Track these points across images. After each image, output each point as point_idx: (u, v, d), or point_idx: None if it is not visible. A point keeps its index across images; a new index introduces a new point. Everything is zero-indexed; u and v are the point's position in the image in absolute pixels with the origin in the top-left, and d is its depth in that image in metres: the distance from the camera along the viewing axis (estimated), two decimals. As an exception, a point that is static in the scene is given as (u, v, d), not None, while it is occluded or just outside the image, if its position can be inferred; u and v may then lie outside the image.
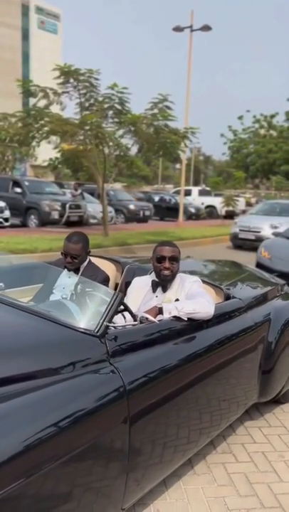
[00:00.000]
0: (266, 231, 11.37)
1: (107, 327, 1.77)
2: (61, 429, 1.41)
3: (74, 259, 2.79)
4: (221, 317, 2.48)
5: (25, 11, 55.77)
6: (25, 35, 55.86)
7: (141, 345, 1.91)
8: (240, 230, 12.08)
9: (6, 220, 12.88)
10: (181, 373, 2.04)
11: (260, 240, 11.08)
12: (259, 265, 6.95)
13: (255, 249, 10.75)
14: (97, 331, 1.76)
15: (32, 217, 13.87)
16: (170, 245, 2.49)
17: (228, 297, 2.80)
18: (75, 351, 1.70)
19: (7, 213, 12.92)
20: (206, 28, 16.33)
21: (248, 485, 2.32)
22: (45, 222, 13.55)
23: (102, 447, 1.58)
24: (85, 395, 1.57)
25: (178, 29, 16.55)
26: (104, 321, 1.78)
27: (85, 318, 1.93)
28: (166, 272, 2.42)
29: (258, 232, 11.62)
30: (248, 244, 11.70)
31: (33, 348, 1.65)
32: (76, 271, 2.83)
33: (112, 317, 1.85)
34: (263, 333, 2.85)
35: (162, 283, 2.48)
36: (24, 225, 13.87)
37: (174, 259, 2.42)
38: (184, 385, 2.06)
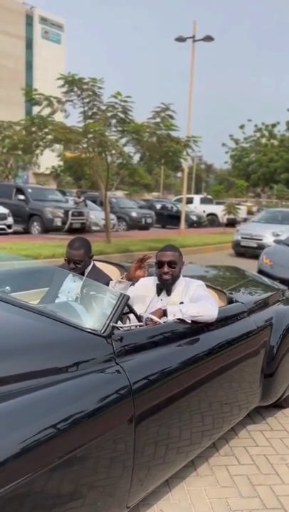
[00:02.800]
0: (268, 239, 11.41)
1: (113, 328, 1.82)
2: (68, 427, 1.44)
3: (77, 265, 2.84)
4: (224, 320, 2.52)
5: (29, 20, 56.37)
6: (29, 45, 56.40)
7: (146, 346, 1.96)
8: (242, 238, 12.13)
9: (9, 226, 12.95)
10: (184, 375, 2.07)
11: (262, 247, 11.10)
12: (261, 272, 6.99)
13: (257, 256, 10.73)
14: (104, 332, 1.80)
15: (35, 224, 13.96)
16: (169, 250, 2.55)
17: (230, 301, 2.84)
18: (83, 351, 1.74)
19: (10, 220, 12.99)
20: (208, 38, 16.51)
21: (250, 487, 2.35)
22: (48, 229, 13.63)
23: (109, 445, 1.61)
24: (92, 394, 1.61)
25: (180, 39, 16.73)
26: (110, 321, 1.82)
27: (92, 319, 1.98)
28: (166, 277, 2.49)
29: (260, 239, 11.67)
30: (249, 251, 11.74)
31: (42, 347, 1.69)
32: (81, 275, 2.88)
33: (118, 318, 1.89)
34: (265, 338, 2.88)
35: (165, 287, 2.53)
36: (27, 231, 13.95)
37: (173, 263, 2.49)
38: (187, 386, 2.09)
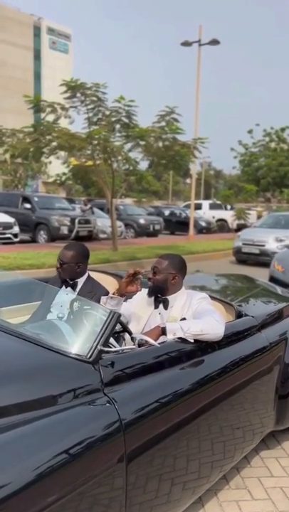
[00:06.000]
0: (271, 244, 10.86)
1: (100, 351, 1.56)
2: (48, 471, 1.21)
3: (63, 266, 2.64)
4: (231, 337, 2.25)
5: (37, 31, 57.08)
6: (37, 55, 57.04)
7: (140, 372, 1.69)
8: (244, 244, 11.46)
9: (15, 235, 12.83)
10: (186, 402, 1.81)
11: (264, 253, 10.68)
12: (272, 279, 6.68)
13: (259, 263, 10.34)
14: (90, 356, 1.55)
15: (41, 232, 13.83)
16: (161, 257, 2.40)
17: (239, 315, 2.57)
18: (65, 380, 1.49)
19: (16, 229, 12.87)
20: (215, 42, 16.33)
21: (265, 528, 2.06)
22: (54, 237, 13.49)
23: (95, 489, 1.36)
24: (75, 431, 1.36)
25: (186, 44, 16.58)
26: (98, 344, 1.57)
27: (79, 341, 1.72)
28: (150, 283, 2.34)
29: (263, 245, 11.02)
30: (252, 258, 11.17)
31: (16, 375, 1.44)
32: (74, 286, 2.65)
33: (108, 339, 1.64)
34: (279, 354, 2.61)
35: (159, 298, 2.31)
36: (34, 240, 13.83)
37: (155, 269, 2.33)
38: (189, 415, 1.83)
